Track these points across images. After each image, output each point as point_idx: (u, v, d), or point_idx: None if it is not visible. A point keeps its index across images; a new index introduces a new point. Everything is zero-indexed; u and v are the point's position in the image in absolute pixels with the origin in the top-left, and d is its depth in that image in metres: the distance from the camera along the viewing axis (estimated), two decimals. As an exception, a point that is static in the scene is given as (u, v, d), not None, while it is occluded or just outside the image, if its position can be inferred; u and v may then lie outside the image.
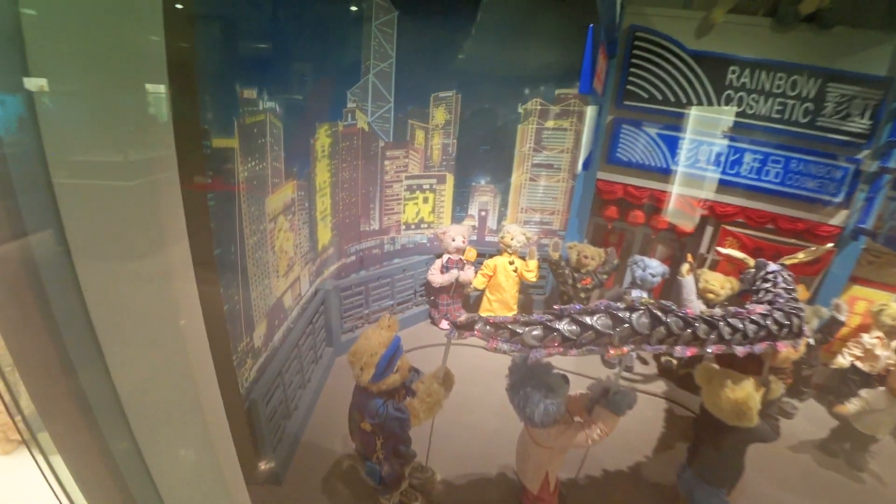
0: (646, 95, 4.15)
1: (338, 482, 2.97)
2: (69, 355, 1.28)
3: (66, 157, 1.14)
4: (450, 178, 4.91)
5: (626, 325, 2.05)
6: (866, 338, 3.69)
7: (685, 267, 3.85)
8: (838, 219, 3.91)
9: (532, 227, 5.09)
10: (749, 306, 2.45)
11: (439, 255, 4.76)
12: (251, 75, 2.57)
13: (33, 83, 1.08)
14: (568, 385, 2.39)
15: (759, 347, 2.24)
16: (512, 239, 4.58)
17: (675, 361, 4.20)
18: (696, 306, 3.80)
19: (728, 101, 3.93)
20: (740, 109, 3.92)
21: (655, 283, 4.12)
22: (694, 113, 4.05)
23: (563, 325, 2.04)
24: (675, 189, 4.33)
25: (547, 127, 4.72)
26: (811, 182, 3.88)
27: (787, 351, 2.41)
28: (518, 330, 2.05)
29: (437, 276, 4.61)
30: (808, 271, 4.01)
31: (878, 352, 3.58)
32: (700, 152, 4.14)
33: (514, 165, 4.92)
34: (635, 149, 4.34)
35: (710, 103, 3.99)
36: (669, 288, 4.52)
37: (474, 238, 5.15)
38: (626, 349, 2.08)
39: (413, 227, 4.90)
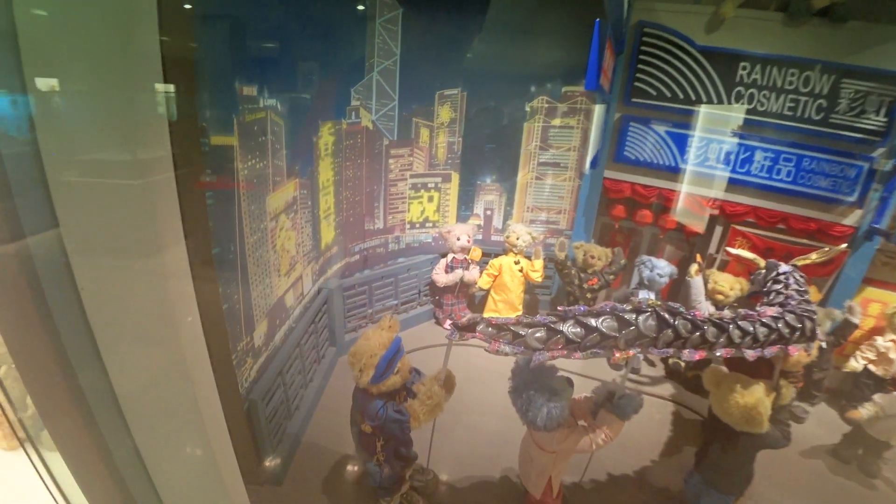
0: (654, 92, 4.08)
1: (338, 483, 2.94)
2: (67, 354, 1.27)
3: (62, 155, 1.14)
4: (455, 177, 4.87)
5: (632, 328, 2.00)
6: (880, 341, 3.63)
7: (694, 267, 3.78)
8: (852, 218, 3.82)
9: (538, 226, 5.04)
10: (760, 308, 2.40)
11: (444, 255, 4.73)
12: (251, 72, 2.54)
13: (28, 82, 1.07)
14: (572, 388, 2.34)
15: (770, 351, 2.18)
16: (517, 238, 4.53)
17: (683, 364, 4.14)
18: (704, 308, 3.75)
19: (738, 98, 3.85)
20: (751, 106, 3.84)
21: (663, 284, 4.06)
22: (703, 110, 3.97)
23: (567, 328, 2.00)
24: (684, 188, 4.26)
25: (553, 125, 4.67)
26: (824, 181, 3.79)
27: (799, 354, 2.35)
28: (521, 332, 2.01)
29: (441, 276, 4.58)
30: (821, 272, 3.93)
31: (893, 355, 3.53)
32: (709, 150, 4.06)
33: (519, 164, 4.87)
34: (643, 147, 4.28)
35: (719, 100, 3.91)
36: (678, 289, 4.45)
37: (479, 237, 5.11)
38: (631, 352, 2.03)
39: (418, 226, 4.87)
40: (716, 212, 4.23)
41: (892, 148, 3.57)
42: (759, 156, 3.93)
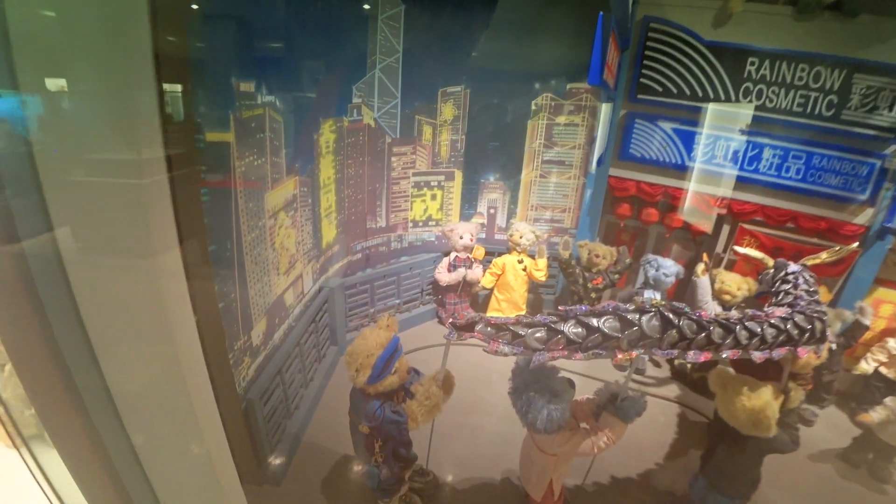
0: (660, 89, 4.01)
1: (338, 484, 2.91)
2: (63, 354, 1.28)
3: (55, 154, 1.13)
4: (458, 175, 4.83)
5: (635, 329, 1.94)
6: (892, 342, 3.55)
7: (700, 267, 3.71)
8: (863, 217, 3.73)
9: (542, 224, 4.99)
10: (768, 309, 2.33)
11: (447, 253, 4.69)
12: (248, 68, 2.51)
13: (21, 82, 1.06)
14: (573, 390, 2.30)
15: (779, 353, 2.12)
16: (521, 237, 4.48)
17: (689, 364, 4.07)
18: (711, 308, 3.68)
19: (746, 95, 3.77)
20: (759, 103, 3.76)
21: (669, 284, 4.00)
22: (711, 107, 3.90)
23: (568, 328, 1.95)
24: (691, 186, 4.19)
25: (558, 122, 4.61)
26: (835, 179, 3.71)
27: (809, 356, 2.29)
28: (520, 332, 1.96)
29: (444, 275, 4.54)
30: (831, 272, 3.84)
31: (905, 358, 3.43)
32: (717, 148, 3.99)
33: (523, 162, 4.82)
34: (649, 144, 4.21)
35: (727, 97, 3.84)
36: (684, 289, 4.39)
37: (483, 236, 5.08)
38: (634, 354, 1.98)
39: (420, 224, 4.83)
40: (723, 210, 4.15)
41: (904, 145, 3.49)
42: (767, 153, 3.85)
